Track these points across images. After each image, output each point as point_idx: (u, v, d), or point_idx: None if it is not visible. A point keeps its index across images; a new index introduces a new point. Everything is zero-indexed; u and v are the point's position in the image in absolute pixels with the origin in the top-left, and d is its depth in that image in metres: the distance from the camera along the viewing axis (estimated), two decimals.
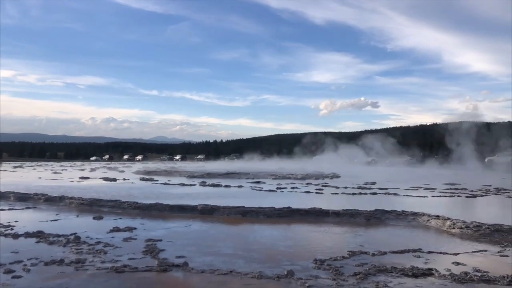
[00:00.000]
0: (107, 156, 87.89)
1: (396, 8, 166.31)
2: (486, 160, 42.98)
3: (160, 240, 6.11)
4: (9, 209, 9.35)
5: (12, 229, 6.84)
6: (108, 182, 18.67)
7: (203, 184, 16.95)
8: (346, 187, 15.26)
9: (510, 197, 13.18)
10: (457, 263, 4.95)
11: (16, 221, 7.60)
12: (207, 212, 8.78)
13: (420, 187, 15.74)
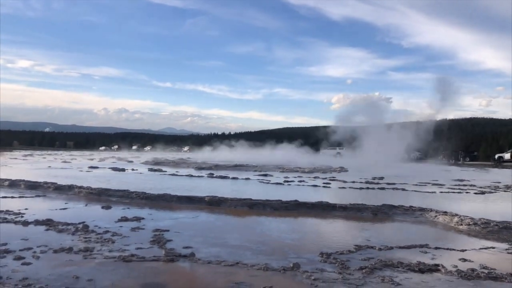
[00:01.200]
0: (116, 146, 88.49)
1: (414, 6, 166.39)
2: (496, 156, 42.63)
3: (168, 231, 6.16)
4: (20, 197, 9.48)
5: (22, 217, 6.94)
6: (117, 172, 18.81)
7: (211, 175, 17.01)
8: (353, 182, 15.22)
9: None
10: (464, 260, 4.92)
11: (26, 209, 7.71)
12: (214, 204, 8.82)
13: (428, 183, 15.64)
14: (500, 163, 38.78)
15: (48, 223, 6.40)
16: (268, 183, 14.60)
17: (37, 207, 8.25)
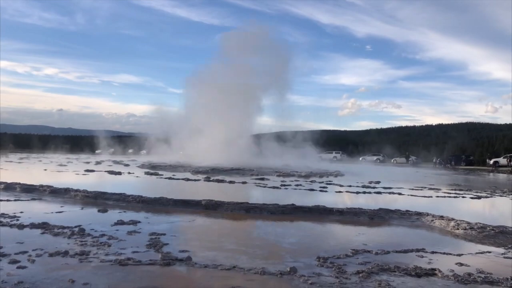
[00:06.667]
0: (112, 150, 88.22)
1: (433, 26, 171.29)
2: (491, 161, 42.80)
3: (164, 234, 6.13)
4: (15, 200, 9.42)
5: (17, 220, 6.89)
6: (113, 175, 18.75)
7: (207, 179, 16.97)
8: (350, 186, 15.24)
9: None
10: (461, 264, 4.93)
11: (21, 212, 7.65)
12: (211, 207, 8.80)
13: (425, 187, 15.69)
14: (496, 168, 38.95)
15: (44, 227, 6.37)
16: (265, 187, 14.59)
17: (32, 210, 8.19)
